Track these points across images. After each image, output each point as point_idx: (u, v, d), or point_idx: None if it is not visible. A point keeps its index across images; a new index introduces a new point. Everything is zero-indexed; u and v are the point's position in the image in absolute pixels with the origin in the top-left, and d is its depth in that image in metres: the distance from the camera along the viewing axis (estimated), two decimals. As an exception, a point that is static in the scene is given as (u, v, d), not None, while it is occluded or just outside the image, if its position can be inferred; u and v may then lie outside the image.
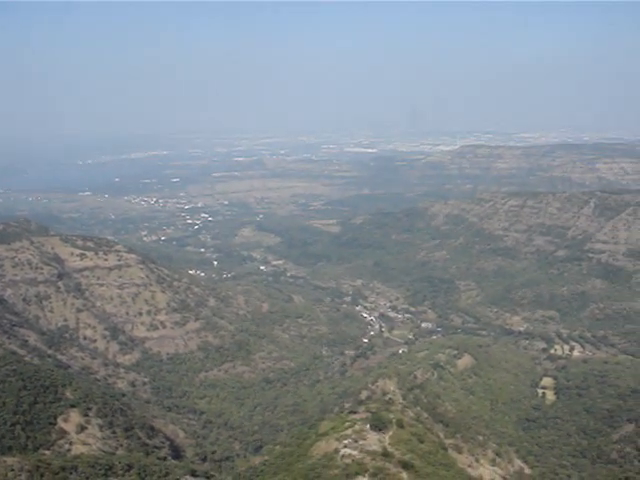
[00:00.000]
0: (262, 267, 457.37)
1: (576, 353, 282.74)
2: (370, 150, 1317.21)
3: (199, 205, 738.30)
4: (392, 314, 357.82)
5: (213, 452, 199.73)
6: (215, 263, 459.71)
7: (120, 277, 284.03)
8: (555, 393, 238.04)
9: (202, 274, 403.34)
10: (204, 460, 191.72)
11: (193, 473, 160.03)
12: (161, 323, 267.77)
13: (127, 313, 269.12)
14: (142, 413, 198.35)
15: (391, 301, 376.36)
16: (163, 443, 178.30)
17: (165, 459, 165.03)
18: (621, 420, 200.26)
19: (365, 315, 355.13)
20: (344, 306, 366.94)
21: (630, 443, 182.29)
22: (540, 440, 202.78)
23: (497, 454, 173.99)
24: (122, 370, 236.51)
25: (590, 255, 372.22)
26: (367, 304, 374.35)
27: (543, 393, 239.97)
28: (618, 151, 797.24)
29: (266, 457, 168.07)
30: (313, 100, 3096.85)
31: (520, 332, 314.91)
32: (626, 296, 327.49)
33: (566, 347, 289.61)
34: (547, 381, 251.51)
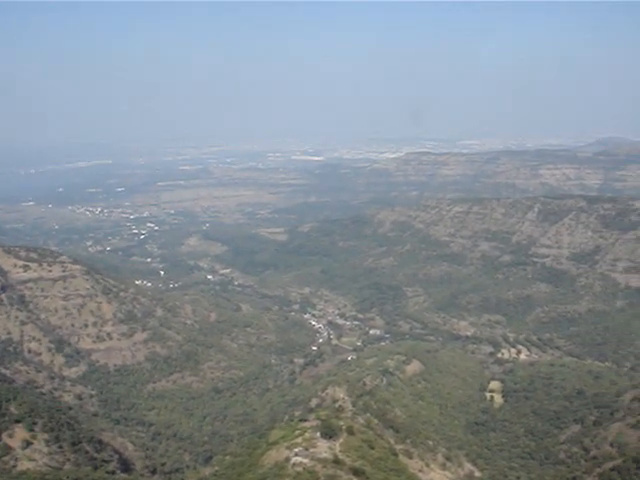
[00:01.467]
0: (209, 276, 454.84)
1: (523, 356, 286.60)
2: (316, 158, 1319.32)
3: (145, 214, 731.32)
4: (340, 321, 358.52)
5: (163, 464, 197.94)
6: (162, 273, 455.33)
7: (65, 288, 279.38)
8: (503, 396, 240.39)
9: (149, 284, 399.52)
10: (154, 472, 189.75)
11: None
12: (108, 334, 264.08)
13: (73, 325, 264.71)
14: (89, 426, 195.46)
15: (339, 308, 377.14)
16: (111, 456, 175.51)
17: (114, 473, 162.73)
18: (568, 421, 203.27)
19: (313, 323, 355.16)
20: (292, 314, 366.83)
21: (577, 443, 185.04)
22: (489, 443, 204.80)
23: (447, 458, 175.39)
24: (68, 383, 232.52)
25: (535, 259, 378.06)
26: (315, 312, 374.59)
27: (491, 397, 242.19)
28: (560, 157, 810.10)
29: (216, 467, 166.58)
30: (262, 108, 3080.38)
31: (467, 337, 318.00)
32: (570, 299, 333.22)
33: (513, 350, 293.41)
34: (495, 385, 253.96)
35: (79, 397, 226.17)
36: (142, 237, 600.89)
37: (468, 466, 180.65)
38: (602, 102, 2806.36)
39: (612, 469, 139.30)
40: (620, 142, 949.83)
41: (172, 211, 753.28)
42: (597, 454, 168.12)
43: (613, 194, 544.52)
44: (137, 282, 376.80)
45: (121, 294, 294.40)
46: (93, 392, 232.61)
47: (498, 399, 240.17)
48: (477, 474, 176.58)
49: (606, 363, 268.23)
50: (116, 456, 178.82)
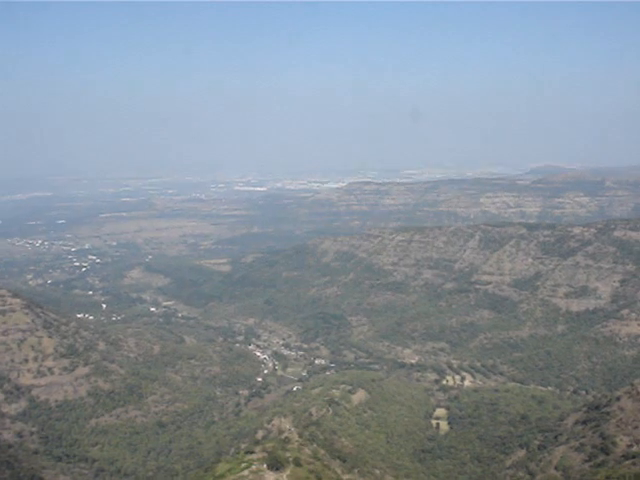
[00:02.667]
0: (152, 308, 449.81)
1: (467, 383, 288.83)
2: (259, 188, 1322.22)
3: (86, 247, 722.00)
4: (285, 352, 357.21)
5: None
6: (104, 306, 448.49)
7: (4, 323, 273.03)
8: (449, 423, 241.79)
9: (91, 317, 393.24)
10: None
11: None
12: (49, 369, 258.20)
13: (12, 360, 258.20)
14: (30, 465, 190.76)
15: (284, 339, 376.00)
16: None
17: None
18: (513, 446, 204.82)
19: (258, 354, 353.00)
20: (237, 345, 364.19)
21: (522, 468, 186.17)
22: (436, 470, 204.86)
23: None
24: (8, 420, 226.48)
25: (477, 286, 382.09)
26: (260, 342, 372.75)
27: (437, 424, 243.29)
28: (500, 185, 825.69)
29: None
30: (205, 139, 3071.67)
31: (412, 364, 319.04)
32: (512, 325, 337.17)
33: (457, 377, 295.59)
34: (440, 412, 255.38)
35: (19, 434, 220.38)
36: (84, 270, 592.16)
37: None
38: (537, 132, 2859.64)
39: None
40: (556, 170, 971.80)
41: (114, 243, 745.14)
42: (542, 478, 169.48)
43: (552, 221, 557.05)
44: (79, 315, 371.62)
45: (62, 328, 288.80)
46: (34, 429, 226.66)
47: (444, 426, 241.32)
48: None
49: (549, 387, 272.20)
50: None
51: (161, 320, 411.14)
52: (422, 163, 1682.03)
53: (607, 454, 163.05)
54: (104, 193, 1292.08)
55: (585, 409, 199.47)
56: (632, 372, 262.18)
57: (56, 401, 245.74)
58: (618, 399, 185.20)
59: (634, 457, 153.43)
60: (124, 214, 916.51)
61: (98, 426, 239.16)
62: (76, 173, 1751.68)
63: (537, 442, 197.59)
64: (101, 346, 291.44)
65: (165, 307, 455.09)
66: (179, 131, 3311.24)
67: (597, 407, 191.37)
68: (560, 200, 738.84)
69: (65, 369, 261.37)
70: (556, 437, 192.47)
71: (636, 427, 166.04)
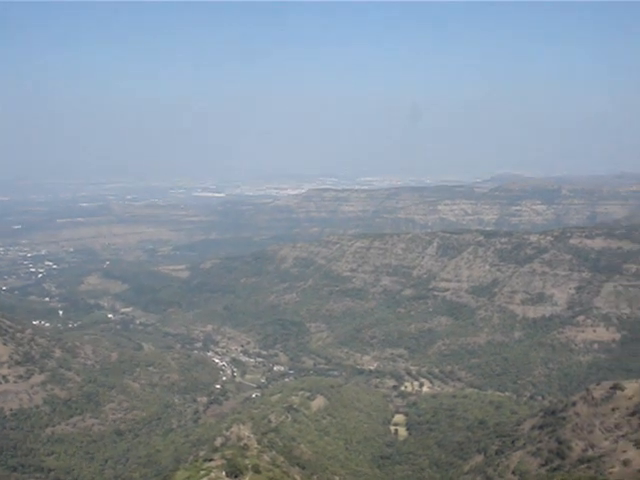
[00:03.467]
0: (110, 315, 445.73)
1: (425, 389, 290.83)
2: (218, 194, 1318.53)
3: (43, 252, 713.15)
4: (244, 358, 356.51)
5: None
6: (60, 312, 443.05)
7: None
8: (407, 429, 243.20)
9: (47, 324, 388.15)
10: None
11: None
12: (3, 377, 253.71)
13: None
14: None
15: (242, 345, 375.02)
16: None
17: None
18: (471, 451, 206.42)
19: (217, 360, 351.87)
20: (195, 352, 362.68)
21: (480, 473, 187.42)
22: (395, 476, 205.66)
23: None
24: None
25: (435, 293, 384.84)
26: (218, 349, 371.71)
27: (396, 430, 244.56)
28: (458, 193, 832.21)
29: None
30: (163, 144, 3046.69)
31: (371, 371, 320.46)
32: (470, 331, 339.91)
33: (416, 383, 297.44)
34: (399, 418, 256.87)
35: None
36: (40, 276, 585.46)
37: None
38: (496, 140, 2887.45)
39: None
40: (514, 178, 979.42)
41: (71, 249, 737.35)
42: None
43: (509, 229, 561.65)
44: (34, 322, 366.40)
45: (17, 335, 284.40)
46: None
47: (402, 432, 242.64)
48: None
49: (506, 393, 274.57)
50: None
51: (119, 327, 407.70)
52: (381, 170, 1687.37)
53: (563, 458, 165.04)
54: (62, 199, 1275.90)
55: (541, 414, 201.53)
56: (587, 377, 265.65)
57: (11, 410, 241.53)
58: (574, 404, 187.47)
59: (589, 461, 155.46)
60: (82, 220, 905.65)
61: (54, 435, 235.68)
62: (39, 178, 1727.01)
63: (495, 447, 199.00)
64: (57, 353, 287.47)
65: (123, 314, 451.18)
66: (138, 137, 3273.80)
67: (553, 412, 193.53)
68: (517, 208, 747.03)
69: (20, 377, 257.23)
70: (513, 442, 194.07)
71: (591, 432, 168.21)
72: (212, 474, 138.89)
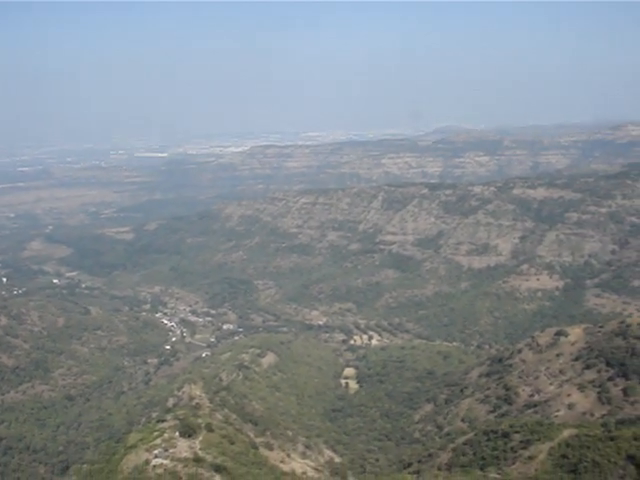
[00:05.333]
0: (55, 280, 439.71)
1: (374, 342, 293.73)
2: (160, 154, 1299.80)
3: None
4: (193, 318, 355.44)
5: (17, 479, 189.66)
6: (4, 279, 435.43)
7: None
8: (358, 382, 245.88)
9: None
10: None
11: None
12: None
13: None
14: None
15: (191, 305, 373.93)
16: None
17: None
18: (420, 401, 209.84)
19: (165, 322, 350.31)
20: (143, 314, 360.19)
21: (430, 422, 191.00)
22: (347, 428, 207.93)
23: (307, 447, 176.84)
24: None
25: (381, 247, 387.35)
26: (167, 310, 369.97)
27: (346, 383, 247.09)
28: (401, 146, 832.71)
29: (74, 477, 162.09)
30: (103, 105, 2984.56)
31: (320, 326, 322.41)
32: (417, 283, 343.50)
33: (365, 337, 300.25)
34: (349, 371, 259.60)
35: None
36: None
37: (328, 453, 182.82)
38: (439, 92, 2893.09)
39: (464, 443, 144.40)
40: (457, 130, 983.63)
41: (12, 214, 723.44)
42: (450, 430, 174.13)
43: (453, 181, 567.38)
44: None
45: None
46: None
47: (353, 385, 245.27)
48: (337, 460, 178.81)
49: (454, 343, 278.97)
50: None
51: (65, 292, 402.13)
52: (325, 125, 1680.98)
53: (510, 404, 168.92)
54: (0, 163, 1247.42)
55: (488, 362, 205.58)
56: (532, 325, 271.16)
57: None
58: (519, 351, 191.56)
59: (535, 406, 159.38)
60: (21, 184, 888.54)
61: (4, 403, 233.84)
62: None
63: (444, 396, 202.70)
64: (3, 321, 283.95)
65: (68, 278, 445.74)
66: (77, 99, 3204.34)
67: (500, 360, 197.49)
68: (461, 160, 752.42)
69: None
70: (462, 390, 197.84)
71: (537, 377, 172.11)
72: (165, 435, 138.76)
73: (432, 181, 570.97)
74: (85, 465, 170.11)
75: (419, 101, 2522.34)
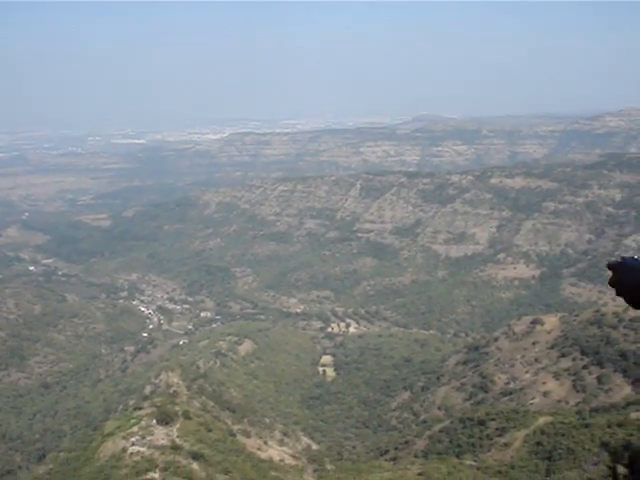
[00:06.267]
0: (31, 267, 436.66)
1: (352, 329, 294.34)
2: (138, 141, 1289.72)
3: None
4: (170, 306, 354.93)
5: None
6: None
7: None
8: (335, 369, 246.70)
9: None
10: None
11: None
12: None
13: None
14: None
15: (168, 293, 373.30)
16: None
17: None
18: (398, 389, 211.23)
19: (143, 309, 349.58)
20: (120, 301, 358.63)
21: (407, 409, 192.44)
22: (324, 416, 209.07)
23: (284, 434, 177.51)
24: None
25: (359, 235, 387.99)
26: (144, 297, 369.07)
27: (324, 371, 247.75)
28: (380, 135, 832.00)
29: (51, 465, 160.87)
30: (80, 90, 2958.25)
31: (298, 313, 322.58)
32: (395, 272, 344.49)
33: (342, 324, 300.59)
34: (326, 359, 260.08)
35: None
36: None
37: (305, 440, 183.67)
38: (418, 81, 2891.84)
39: (441, 431, 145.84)
40: (436, 119, 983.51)
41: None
42: (427, 418, 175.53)
43: (431, 169, 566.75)
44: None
45: None
46: None
47: (330, 372, 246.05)
48: (314, 447, 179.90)
49: (431, 331, 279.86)
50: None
51: (41, 279, 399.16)
52: (304, 113, 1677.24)
53: (486, 392, 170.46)
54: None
55: (465, 350, 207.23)
56: (509, 313, 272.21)
57: None
58: (496, 340, 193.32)
59: (511, 394, 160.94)
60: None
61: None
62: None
63: (421, 384, 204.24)
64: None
65: (45, 265, 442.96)
66: (51, 83, 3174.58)
67: (476, 348, 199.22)
68: (439, 149, 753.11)
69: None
70: (438, 378, 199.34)
71: (512, 365, 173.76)
72: (142, 422, 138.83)
73: (410, 169, 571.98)
74: (62, 453, 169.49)
75: (398, 89, 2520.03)
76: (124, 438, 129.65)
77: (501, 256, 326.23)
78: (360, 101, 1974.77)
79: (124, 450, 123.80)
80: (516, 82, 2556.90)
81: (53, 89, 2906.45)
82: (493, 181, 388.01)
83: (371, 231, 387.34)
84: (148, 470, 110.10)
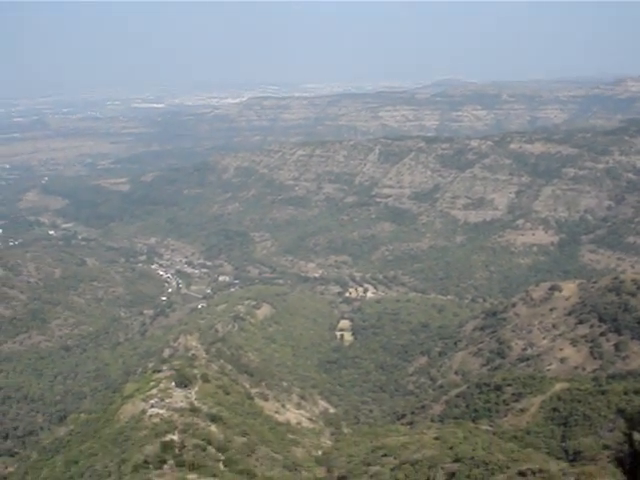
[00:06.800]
0: (51, 231, 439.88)
1: (370, 294, 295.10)
2: (157, 105, 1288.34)
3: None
4: (189, 270, 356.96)
5: (15, 428, 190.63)
6: (0, 231, 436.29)
7: None
8: (353, 334, 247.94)
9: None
10: (6, 438, 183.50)
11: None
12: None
13: None
14: None
15: (187, 257, 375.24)
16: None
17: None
18: (415, 354, 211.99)
19: (161, 273, 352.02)
20: (139, 265, 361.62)
21: (424, 374, 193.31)
22: (342, 380, 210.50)
23: (302, 398, 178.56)
24: None
25: (378, 200, 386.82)
26: (163, 262, 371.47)
27: (341, 335, 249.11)
28: (399, 99, 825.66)
29: (72, 426, 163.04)
30: (99, 54, 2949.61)
31: (316, 278, 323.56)
32: (413, 237, 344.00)
33: (360, 289, 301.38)
34: (344, 323, 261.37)
35: None
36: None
37: (322, 403, 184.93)
38: (439, 45, 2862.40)
39: (457, 395, 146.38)
40: (455, 84, 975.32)
41: (7, 165, 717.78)
42: (443, 383, 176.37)
43: (450, 134, 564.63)
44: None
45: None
46: None
47: (348, 337, 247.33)
48: (332, 410, 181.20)
49: (448, 296, 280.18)
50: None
51: (61, 243, 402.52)
52: (323, 77, 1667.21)
53: (503, 358, 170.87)
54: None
55: (483, 316, 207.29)
56: (527, 279, 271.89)
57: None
58: (513, 305, 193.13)
59: (528, 359, 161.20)
60: (17, 135, 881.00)
61: (1, 354, 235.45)
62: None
63: (438, 349, 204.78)
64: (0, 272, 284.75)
65: (64, 229, 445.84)
66: (70, 48, 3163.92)
67: (494, 314, 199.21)
68: (458, 113, 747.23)
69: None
70: (456, 343, 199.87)
71: (530, 331, 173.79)
72: (161, 385, 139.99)
73: (429, 134, 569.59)
74: (82, 414, 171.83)
75: (418, 53, 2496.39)
76: (143, 400, 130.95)
77: (520, 222, 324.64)
78: (379, 65, 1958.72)
79: (143, 412, 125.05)
80: (537, 47, 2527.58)
81: (72, 54, 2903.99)
82: (513, 146, 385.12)
83: (389, 196, 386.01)
84: (167, 432, 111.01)
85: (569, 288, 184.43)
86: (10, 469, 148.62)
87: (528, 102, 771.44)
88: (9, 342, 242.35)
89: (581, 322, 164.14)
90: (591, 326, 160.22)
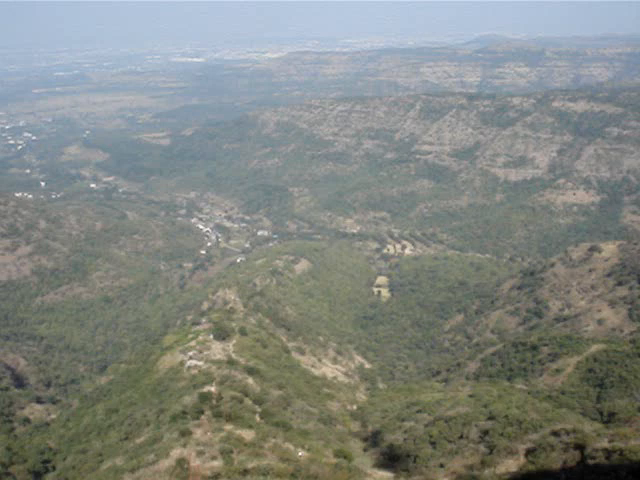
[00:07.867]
0: (92, 185, 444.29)
1: (407, 251, 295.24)
2: (197, 59, 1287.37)
3: (21, 124, 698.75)
4: (228, 224, 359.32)
5: (57, 377, 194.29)
6: (43, 184, 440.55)
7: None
8: (390, 290, 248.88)
9: (30, 196, 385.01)
10: (48, 386, 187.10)
11: (38, 400, 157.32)
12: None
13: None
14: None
15: (226, 211, 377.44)
16: (4, 373, 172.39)
17: (7, 389, 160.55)
18: (451, 311, 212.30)
19: (201, 227, 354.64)
20: (179, 219, 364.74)
21: (460, 332, 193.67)
22: (378, 336, 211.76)
23: (338, 352, 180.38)
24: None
25: (417, 156, 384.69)
26: (202, 215, 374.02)
27: (378, 291, 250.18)
28: (441, 55, 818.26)
29: (112, 376, 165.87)
30: (137, 8, 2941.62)
31: (354, 234, 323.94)
32: (452, 194, 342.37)
33: (398, 246, 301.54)
34: (382, 280, 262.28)
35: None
36: (20, 148, 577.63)
37: (358, 359, 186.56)
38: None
39: (493, 354, 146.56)
40: (499, 40, 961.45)
41: (49, 119, 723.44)
42: (479, 341, 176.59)
43: (492, 91, 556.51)
44: (17, 195, 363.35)
45: (1, 208, 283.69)
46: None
47: (385, 293, 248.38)
48: (367, 366, 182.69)
49: (486, 255, 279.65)
50: (8, 372, 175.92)
51: (102, 196, 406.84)
52: (364, 32, 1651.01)
53: (540, 317, 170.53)
54: (36, 68, 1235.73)
55: (520, 275, 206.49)
56: (566, 239, 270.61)
57: (0, 281, 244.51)
58: (552, 265, 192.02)
59: (565, 320, 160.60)
60: (58, 89, 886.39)
61: (44, 304, 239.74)
62: (6, 48, 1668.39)
63: (474, 307, 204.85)
64: (42, 225, 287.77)
65: (105, 183, 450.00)
66: (113, 3, 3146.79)
67: (532, 273, 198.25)
68: (500, 70, 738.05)
69: (7, 249, 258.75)
70: (492, 302, 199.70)
71: (568, 292, 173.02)
72: (200, 337, 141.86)
73: (470, 91, 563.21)
74: (122, 364, 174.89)
75: (459, 8, 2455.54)
76: (182, 352, 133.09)
77: (561, 181, 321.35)
78: (421, 20, 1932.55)
79: (182, 363, 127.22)
80: (584, 2, 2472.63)
81: (112, 8, 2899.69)
82: (555, 104, 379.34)
83: (429, 153, 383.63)
84: (205, 383, 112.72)
85: (609, 249, 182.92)
86: (53, 416, 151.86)
87: (572, 59, 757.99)
88: (51, 293, 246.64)
89: (620, 283, 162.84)
90: (630, 288, 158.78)
